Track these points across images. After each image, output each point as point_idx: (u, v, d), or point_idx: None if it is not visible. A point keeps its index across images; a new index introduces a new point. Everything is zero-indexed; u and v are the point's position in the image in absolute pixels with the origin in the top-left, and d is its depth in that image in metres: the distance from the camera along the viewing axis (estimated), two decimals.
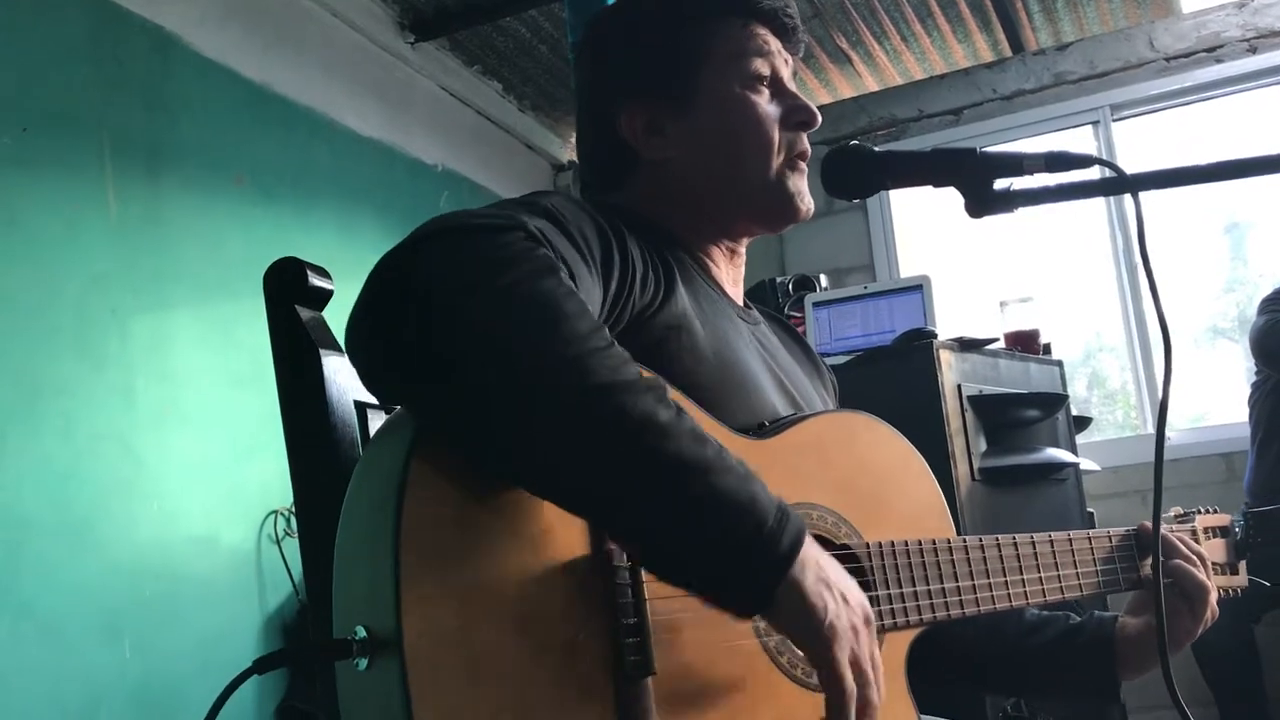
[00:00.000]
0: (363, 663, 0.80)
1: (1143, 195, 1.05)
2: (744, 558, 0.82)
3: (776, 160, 1.22)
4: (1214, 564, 1.44)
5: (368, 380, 0.86)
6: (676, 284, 1.11)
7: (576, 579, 0.86)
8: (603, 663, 0.86)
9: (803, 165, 1.25)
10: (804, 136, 1.25)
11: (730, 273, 1.30)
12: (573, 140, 4.91)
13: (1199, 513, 1.49)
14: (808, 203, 1.25)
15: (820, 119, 1.26)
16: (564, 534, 0.87)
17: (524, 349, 0.79)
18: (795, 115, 1.24)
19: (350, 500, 0.87)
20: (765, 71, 1.23)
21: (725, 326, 1.17)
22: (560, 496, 0.83)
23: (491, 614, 0.81)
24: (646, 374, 0.85)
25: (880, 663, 0.91)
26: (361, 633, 0.80)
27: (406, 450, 0.81)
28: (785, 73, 1.26)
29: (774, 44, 1.25)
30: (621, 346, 0.85)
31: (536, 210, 0.95)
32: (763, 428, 1.09)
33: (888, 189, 1.16)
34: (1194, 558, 1.33)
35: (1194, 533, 1.46)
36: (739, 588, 0.83)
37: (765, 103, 1.23)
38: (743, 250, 1.32)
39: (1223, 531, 1.51)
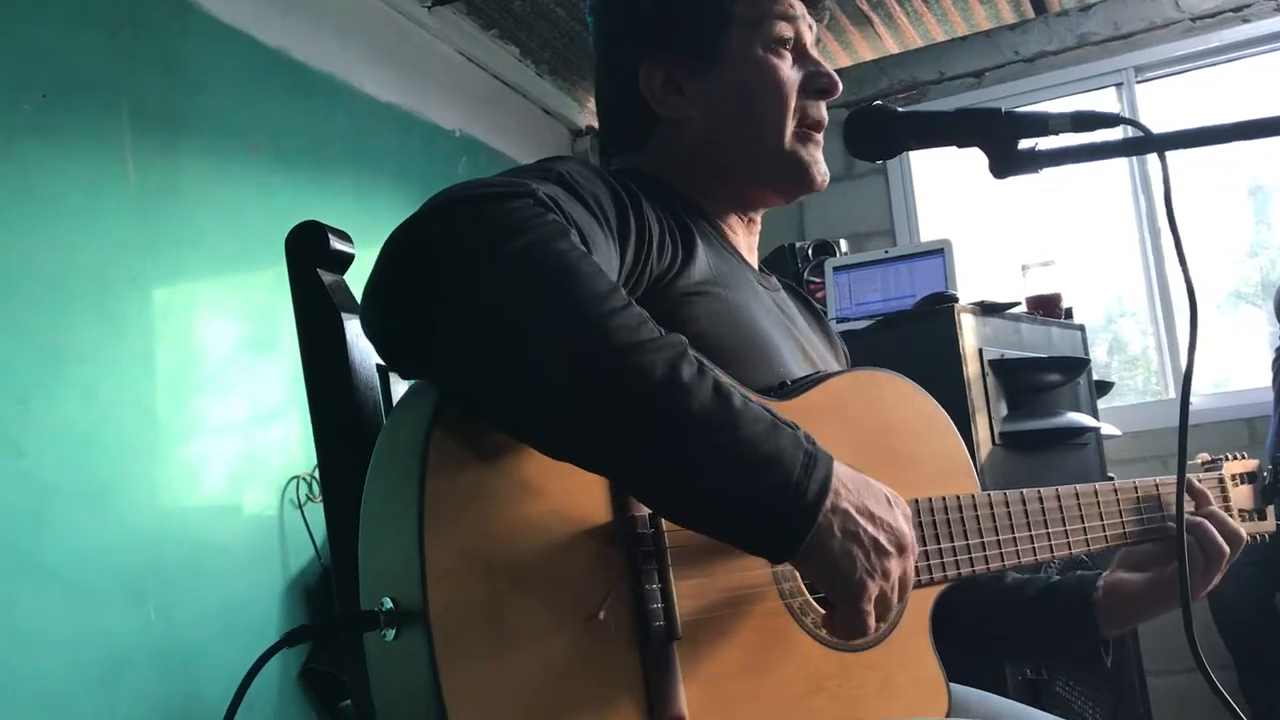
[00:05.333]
0: (390, 634, 0.80)
1: (1168, 156, 1.04)
2: (770, 511, 0.82)
3: (790, 125, 1.21)
4: (1241, 510, 1.44)
5: (386, 357, 0.86)
6: (696, 249, 1.11)
7: (600, 546, 0.86)
8: (628, 629, 0.86)
9: (817, 136, 1.24)
10: (821, 105, 1.23)
11: (747, 240, 1.29)
12: (590, 105, 4.87)
13: (1226, 459, 1.49)
14: (823, 172, 1.24)
15: (841, 87, 1.24)
16: (586, 502, 0.87)
17: (540, 314, 0.79)
18: (816, 81, 1.22)
19: (373, 473, 0.88)
20: (788, 35, 1.21)
21: (745, 291, 1.16)
22: (584, 459, 0.82)
23: (516, 584, 0.81)
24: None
25: (910, 580, 0.92)
26: (388, 604, 0.81)
27: (427, 423, 0.81)
28: (809, 38, 1.24)
29: (799, 8, 1.23)
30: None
31: (549, 176, 0.94)
32: (783, 387, 1.09)
33: (911, 150, 1.15)
34: (1215, 511, 1.33)
35: (1221, 480, 1.46)
36: (766, 540, 0.83)
37: (786, 67, 1.21)
38: (759, 219, 1.31)
39: (1250, 478, 1.51)
